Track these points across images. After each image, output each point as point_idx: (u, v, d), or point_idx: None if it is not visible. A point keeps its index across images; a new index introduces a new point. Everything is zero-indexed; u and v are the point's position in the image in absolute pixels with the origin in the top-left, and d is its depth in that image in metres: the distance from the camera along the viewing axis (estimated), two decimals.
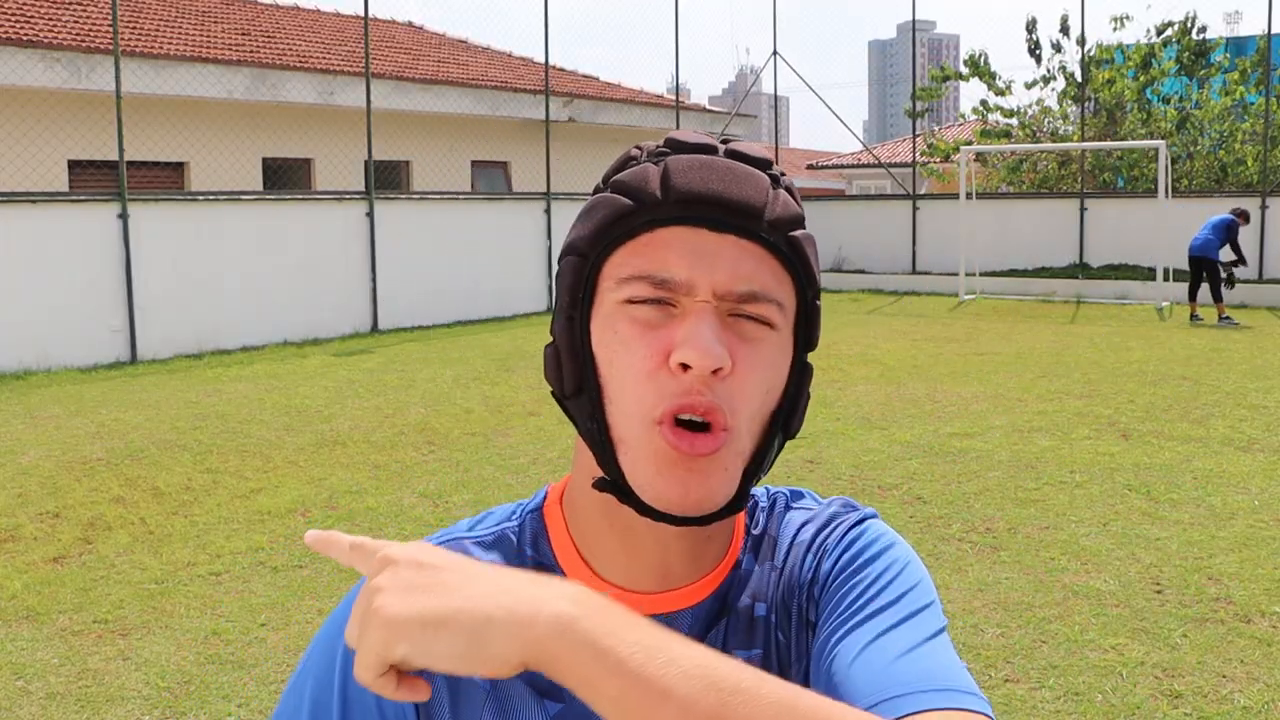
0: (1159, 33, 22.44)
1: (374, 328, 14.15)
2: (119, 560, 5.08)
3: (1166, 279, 16.02)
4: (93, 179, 14.30)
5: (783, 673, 0.85)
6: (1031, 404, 8.55)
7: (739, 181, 0.81)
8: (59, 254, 11.12)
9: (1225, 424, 7.72)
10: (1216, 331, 13.25)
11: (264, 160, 16.31)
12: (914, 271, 20.00)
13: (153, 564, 5.03)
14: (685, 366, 0.76)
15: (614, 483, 0.80)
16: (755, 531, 0.91)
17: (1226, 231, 14.01)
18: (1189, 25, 22.22)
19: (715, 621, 0.86)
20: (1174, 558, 4.96)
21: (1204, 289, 14.30)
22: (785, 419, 0.84)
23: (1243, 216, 14.30)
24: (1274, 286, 16.26)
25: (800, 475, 6.42)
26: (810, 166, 36.93)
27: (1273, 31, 17.26)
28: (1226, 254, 14.36)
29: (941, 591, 4.57)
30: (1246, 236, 15.47)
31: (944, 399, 8.81)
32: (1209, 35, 22.42)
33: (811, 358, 0.87)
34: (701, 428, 0.77)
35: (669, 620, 0.83)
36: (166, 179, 15.55)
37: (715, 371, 0.76)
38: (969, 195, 18.08)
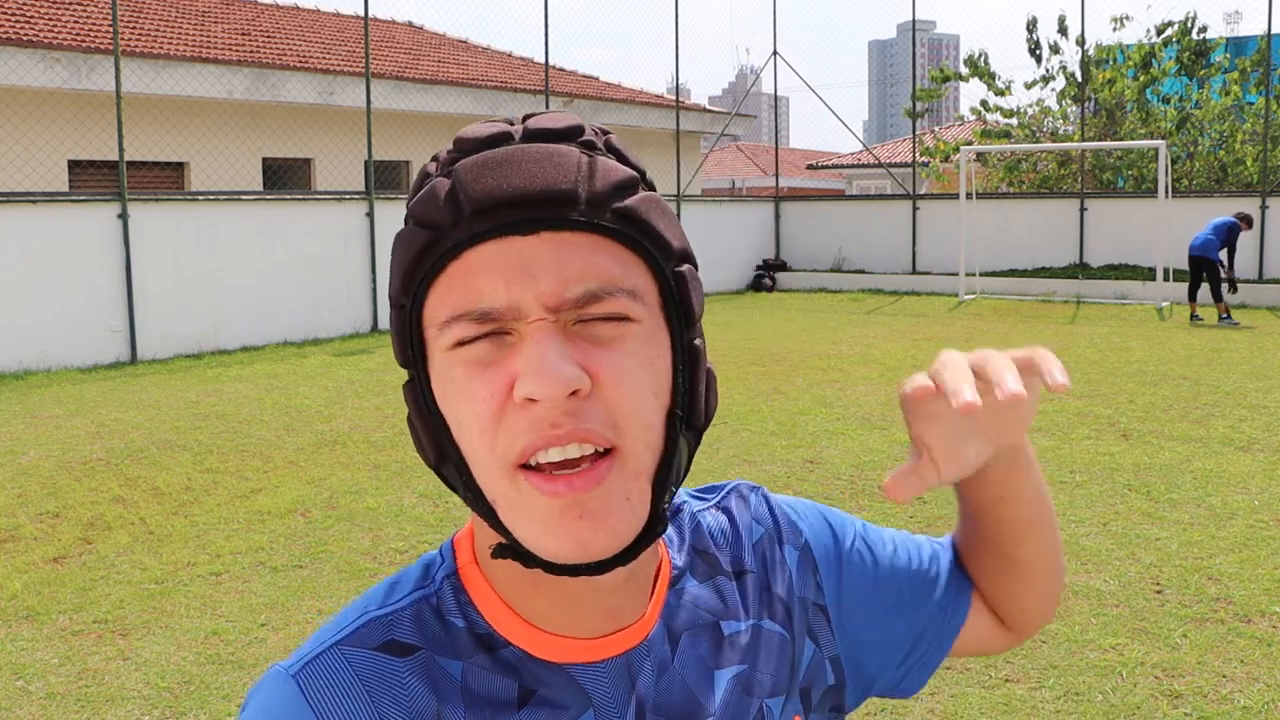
0: (1159, 33, 22.44)
1: (374, 328, 14.15)
2: (119, 560, 5.08)
3: (1166, 279, 16.02)
4: (93, 179, 14.31)
5: (783, 676, 0.84)
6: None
7: (537, 166, 0.68)
8: (59, 254, 11.12)
9: (1225, 424, 7.72)
10: (1216, 331, 13.25)
11: (264, 160, 16.32)
12: (914, 271, 20.00)
13: (153, 564, 5.03)
14: (533, 399, 0.65)
15: (512, 547, 0.69)
16: (688, 537, 0.85)
17: (1228, 233, 14.01)
18: (1189, 25, 22.23)
19: (674, 645, 0.79)
20: (1174, 558, 4.96)
21: (1204, 289, 14.31)
22: (686, 415, 0.72)
23: (1246, 221, 14.29)
24: (1274, 286, 16.26)
25: (800, 475, 6.43)
26: (810, 166, 36.96)
27: (1273, 31, 17.26)
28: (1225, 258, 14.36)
29: None
30: (1247, 237, 15.47)
31: None
32: (1209, 35, 22.43)
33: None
34: (574, 462, 0.67)
35: (632, 657, 0.76)
36: (166, 179, 15.56)
37: (574, 393, 0.65)
38: (969, 195, 18.08)
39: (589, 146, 0.71)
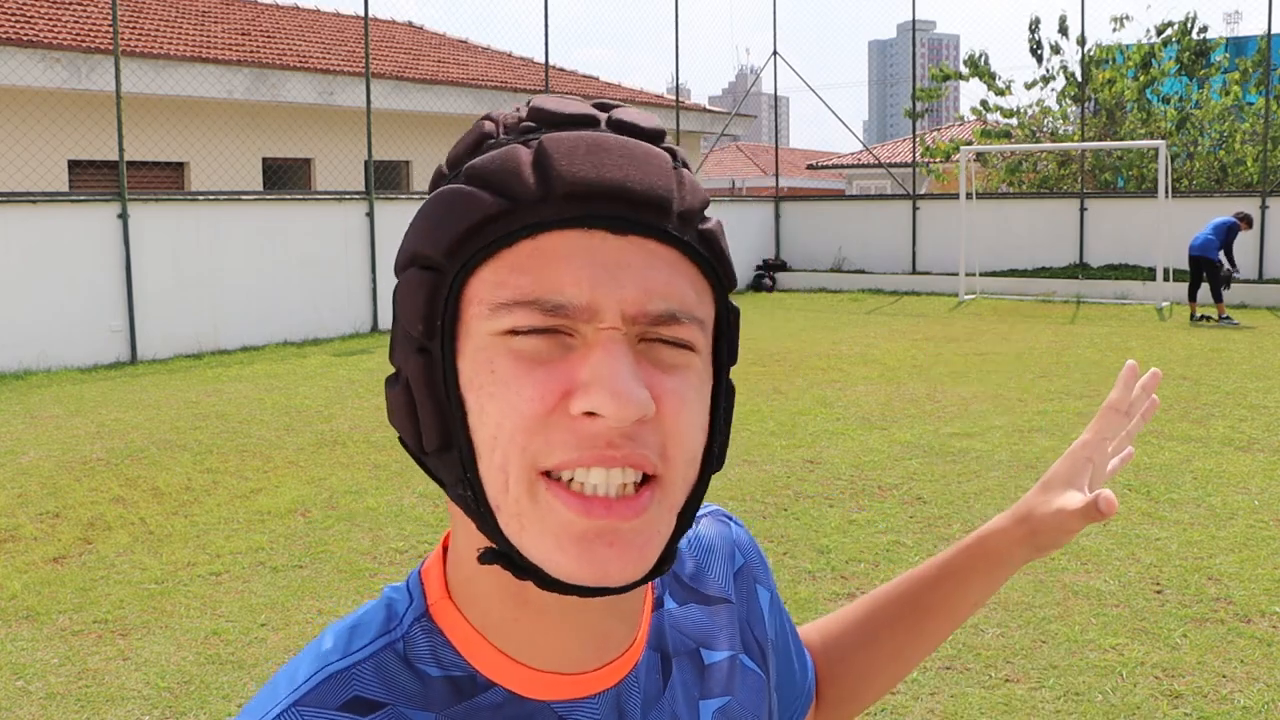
0: (1159, 33, 22.45)
1: (374, 328, 14.15)
2: (119, 560, 5.08)
3: (1166, 279, 16.02)
4: (93, 179, 14.31)
5: (762, 716, 0.81)
6: (1031, 404, 8.55)
7: (640, 165, 0.63)
8: (59, 254, 11.12)
9: (1225, 424, 7.72)
10: (1216, 331, 13.25)
11: (264, 160, 16.32)
12: (914, 271, 20.00)
13: (153, 564, 5.03)
14: (591, 414, 0.60)
15: (504, 553, 0.63)
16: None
17: (1227, 233, 14.02)
18: (1189, 25, 22.23)
19: (664, 673, 0.74)
20: (1174, 558, 4.96)
21: (1203, 289, 14.31)
22: (718, 455, 0.68)
23: (1245, 221, 14.30)
24: (1274, 286, 16.26)
25: (800, 475, 6.43)
26: (810, 166, 36.96)
27: (1273, 31, 17.26)
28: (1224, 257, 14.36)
29: None
30: (1246, 236, 15.48)
31: (944, 399, 8.81)
32: (1209, 35, 22.44)
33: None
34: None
35: (623, 689, 0.70)
36: (166, 179, 15.56)
37: (636, 420, 0.60)
38: (969, 195, 18.08)
39: (674, 156, 0.67)
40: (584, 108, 0.66)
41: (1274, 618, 4.26)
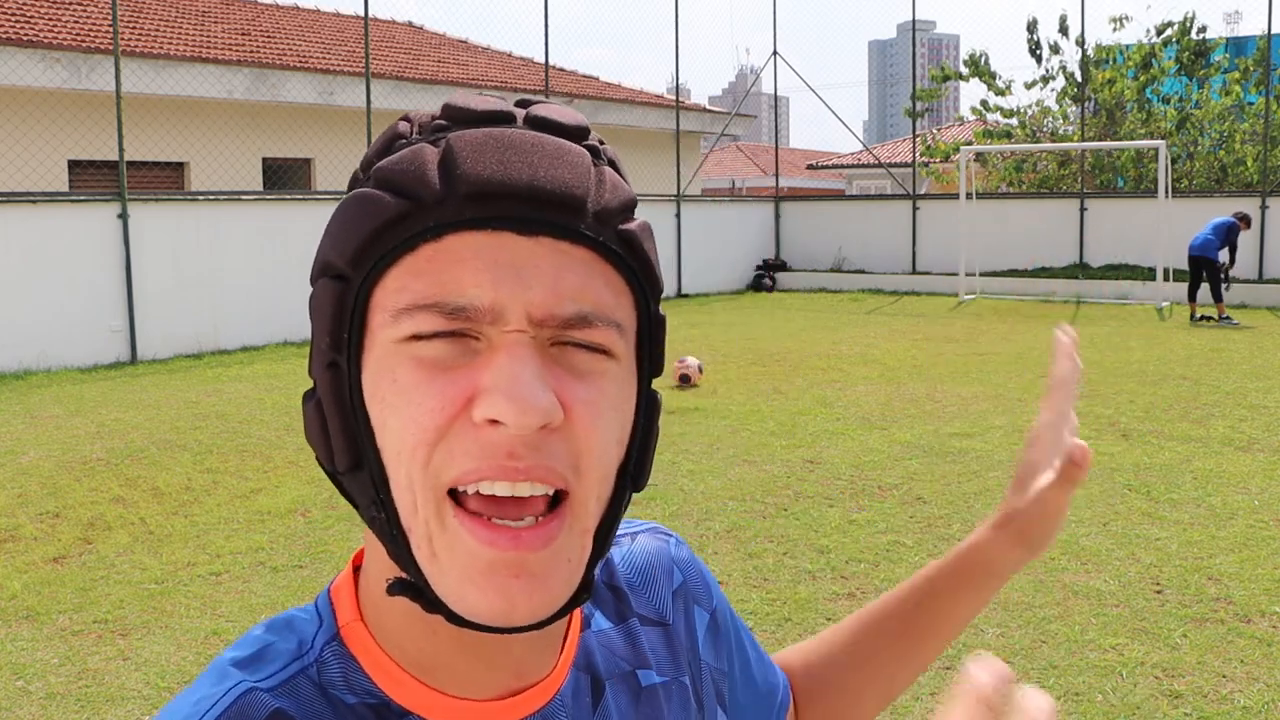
0: (1159, 33, 22.46)
1: None
2: (119, 560, 5.08)
3: (1166, 279, 16.02)
4: (93, 179, 14.31)
5: None
6: (1031, 404, 8.55)
7: (552, 162, 0.60)
8: (59, 254, 11.12)
9: (1225, 424, 7.72)
10: (1216, 331, 13.25)
11: (264, 160, 16.32)
12: (914, 271, 20.00)
13: (153, 564, 5.03)
14: (494, 422, 0.56)
15: (413, 584, 0.60)
16: (599, 574, 0.77)
17: (1227, 233, 14.02)
18: (1189, 25, 22.24)
19: (595, 696, 0.71)
20: (1174, 558, 4.96)
21: (1203, 289, 14.31)
22: (635, 471, 0.64)
23: (1244, 221, 14.31)
24: (1274, 286, 16.26)
25: (800, 475, 6.43)
26: (810, 166, 36.97)
27: (1273, 31, 17.26)
28: (1226, 256, 14.37)
29: None
30: (1246, 236, 15.48)
31: (944, 399, 8.81)
32: (1209, 35, 22.45)
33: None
34: (518, 502, 0.58)
35: (546, 716, 0.67)
36: (166, 179, 15.56)
37: (541, 428, 0.57)
38: (969, 195, 18.08)
39: (595, 153, 0.64)
40: (498, 104, 0.63)
41: (1274, 618, 4.26)
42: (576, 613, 0.72)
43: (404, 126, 0.64)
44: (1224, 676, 3.77)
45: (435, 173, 0.59)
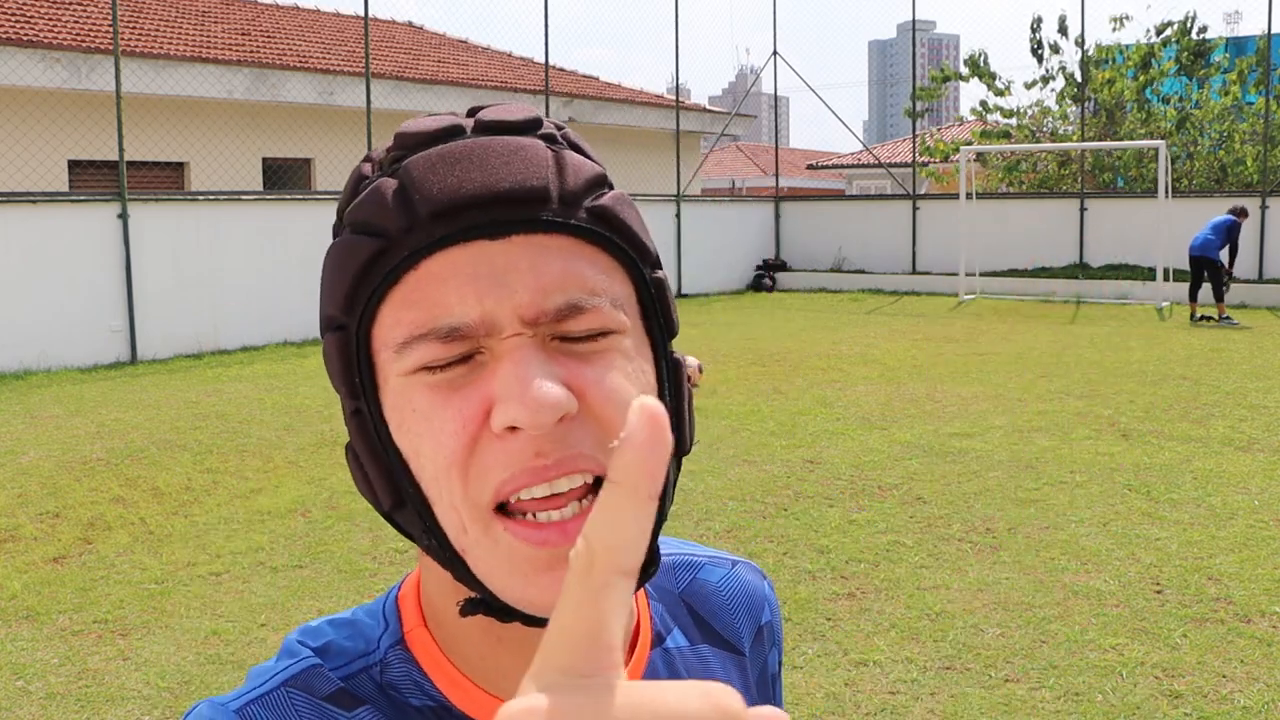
0: (1159, 33, 22.46)
1: None
2: (119, 560, 5.08)
3: (1166, 279, 16.02)
4: (93, 179, 14.31)
5: None
6: (1031, 404, 8.55)
7: (505, 161, 0.60)
8: (59, 254, 11.12)
9: (1225, 424, 7.72)
10: (1216, 331, 13.25)
11: (264, 160, 16.32)
12: (914, 271, 20.00)
13: (153, 564, 5.03)
14: (513, 428, 0.57)
15: (483, 601, 0.61)
16: (676, 591, 0.76)
17: (1228, 233, 14.02)
18: (1189, 25, 22.24)
19: None
20: (1174, 558, 4.96)
21: (1203, 290, 14.31)
22: (675, 437, 0.63)
23: (1241, 214, 14.31)
24: (1274, 286, 16.26)
25: (800, 475, 6.43)
26: (810, 166, 36.97)
27: (1273, 31, 17.26)
28: (1226, 255, 14.36)
29: (942, 591, 4.58)
30: (1247, 236, 15.48)
31: (944, 399, 8.81)
32: (1209, 35, 22.45)
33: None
34: (562, 497, 0.58)
35: None
36: (166, 179, 15.56)
37: (560, 420, 0.57)
38: (969, 195, 18.08)
39: (551, 140, 0.64)
40: (445, 120, 0.63)
41: (1274, 618, 4.26)
42: (645, 626, 0.72)
43: (366, 168, 0.65)
44: (1224, 676, 3.77)
45: (395, 203, 0.60)
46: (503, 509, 0.59)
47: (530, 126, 0.63)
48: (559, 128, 0.65)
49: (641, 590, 0.73)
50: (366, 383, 0.62)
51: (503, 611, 0.60)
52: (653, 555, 0.62)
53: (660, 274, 0.66)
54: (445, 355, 0.58)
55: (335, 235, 0.65)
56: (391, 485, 0.61)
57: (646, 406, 0.36)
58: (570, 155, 0.63)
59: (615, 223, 0.63)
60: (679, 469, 0.65)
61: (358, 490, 0.65)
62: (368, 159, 0.65)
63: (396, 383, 0.60)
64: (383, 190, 0.61)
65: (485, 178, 0.60)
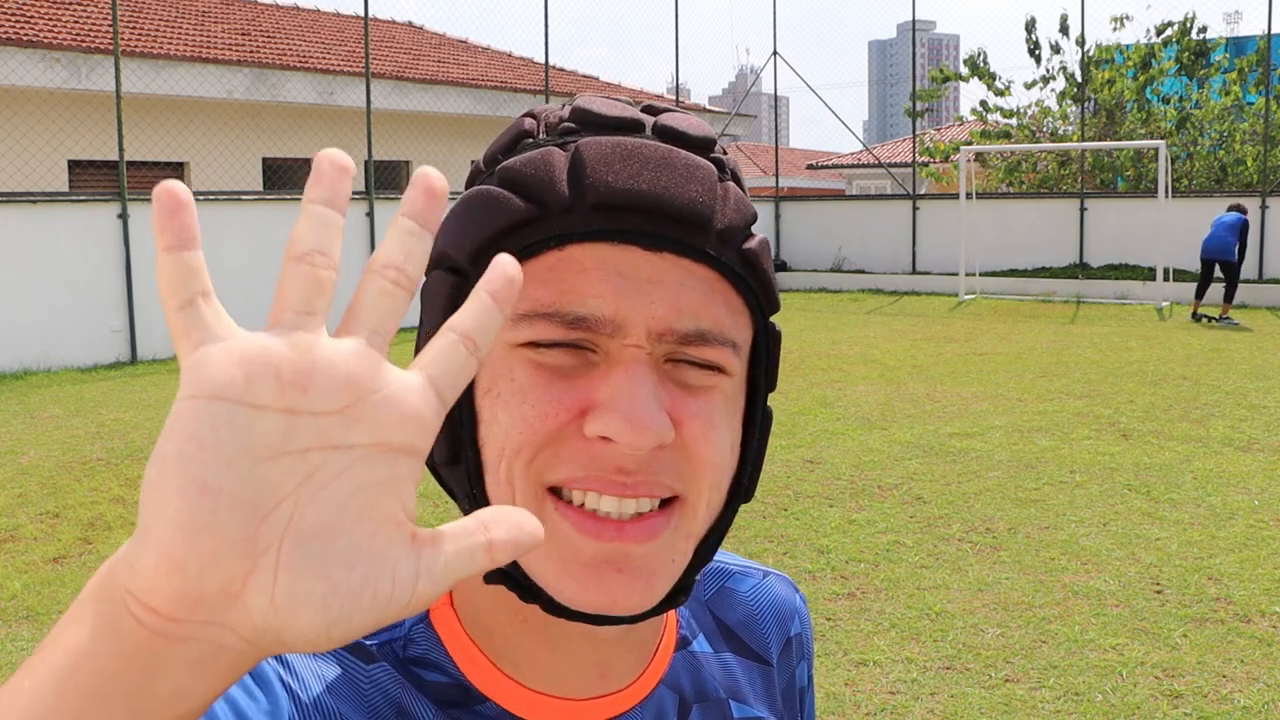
0: (1159, 33, 22.46)
1: None
2: None
3: (1166, 279, 16.01)
4: (93, 179, 14.31)
5: None
6: (1031, 404, 8.55)
7: (680, 177, 0.59)
8: (59, 254, 11.12)
9: (1225, 424, 7.72)
10: (1216, 331, 13.25)
11: (264, 160, 16.32)
12: (914, 271, 20.00)
13: None
14: (608, 440, 0.57)
15: (510, 575, 0.60)
16: (704, 599, 0.76)
17: (1242, 232, 14.01)
18: (1189, 25, 22.24)
19: (680, 716, 0.70)
20: (1174, 558, 4.96)
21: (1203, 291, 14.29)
22: (748, 484, 0.65)
23: (1244, 210, 14.33)
24: (1274, 286, 16.26)
25: (800, 475, 6.43)
26: (810, 166, 36.96)
27: (1273, 31, 17.26)
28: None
29: (942, 591, 4.58)
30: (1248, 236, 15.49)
31: (944, 399, 8.82)
32: (1209, 35, 22.45)
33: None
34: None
35: None
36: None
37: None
38: (969, 195, 18.08)
39: (720, 166, 0.63)
40: (629, 111, 0.62)
41: (1274, 618, 4.26)
42: (671, 627, 0.72)
43: (530, 124, 0.63)
44: (1224, 676, 3.77)
45: (564, 180, 0.59)
46: (555, 490, 0.59)
47: (706, 146, 0.63)
48: (724, 152, 0.65)
49: None
50: None
51: (526, 590, 0.60)
52: (686, 585, 0.63)
53: (778, 330, 0.66)
54: (563, 337, 0.58)
55: (473, 180, 0.64)
56: (453, 440, 0.60)
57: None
58: (734, 189, 0.62)
59: (758, 270, 0.63)
60: (735, 513, 0.65)
61: None
62: (531, 114, 0.64)
63: (501, 349, 0.59)
64: (551, 160, 0.60)
65: (659, 187, 0.59)
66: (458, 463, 0.61)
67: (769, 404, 0.67)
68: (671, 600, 0.62)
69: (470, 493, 0.61)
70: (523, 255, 0.59)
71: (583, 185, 0.58)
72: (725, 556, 0.80)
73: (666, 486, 0.59)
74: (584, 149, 0.59)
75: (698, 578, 0.76)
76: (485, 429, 0.60)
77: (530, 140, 0.62)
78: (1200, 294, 14.18)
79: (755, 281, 0.62)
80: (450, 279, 0.61)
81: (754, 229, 0.64)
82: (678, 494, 0.59)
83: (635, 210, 0.58)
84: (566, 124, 0.62)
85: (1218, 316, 13.82)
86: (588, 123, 0.61)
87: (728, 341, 0.60)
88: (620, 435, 0.56)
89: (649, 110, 0.64)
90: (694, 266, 0.60)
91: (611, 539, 0.57)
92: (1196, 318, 14.04)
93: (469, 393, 0.60)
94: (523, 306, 0.58)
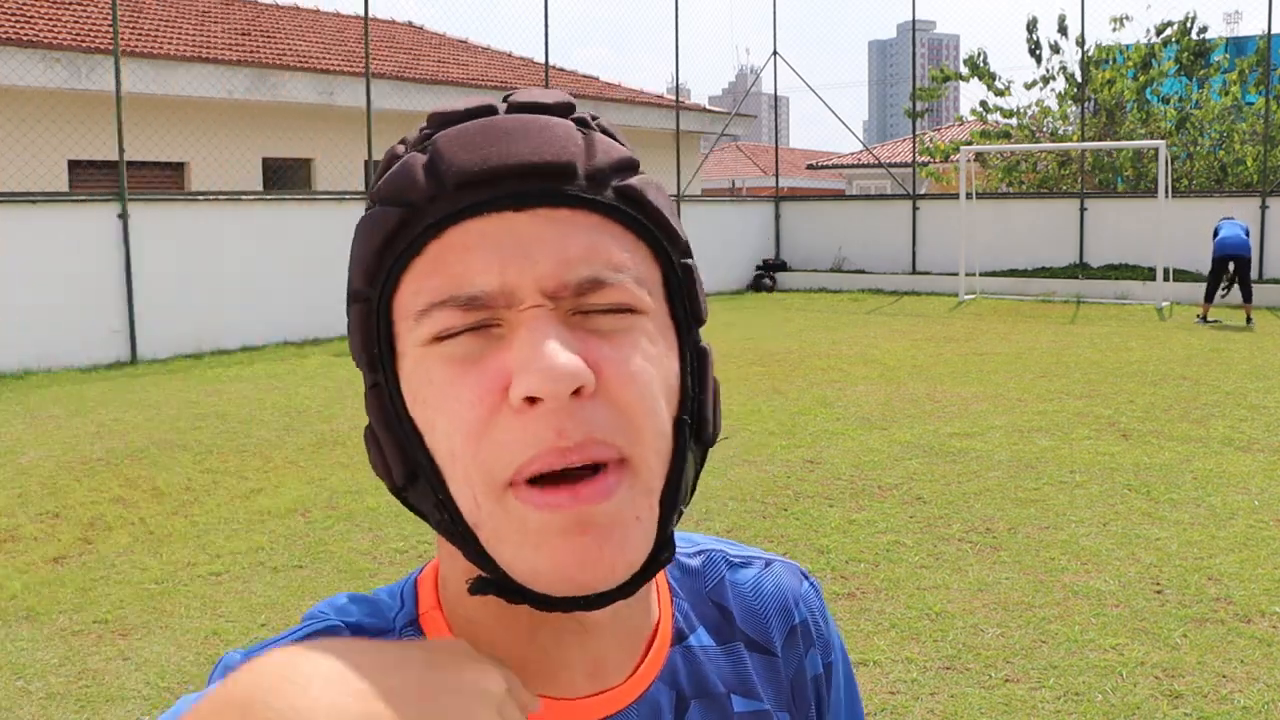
0: (1159, 33, 22.46)
1: None
2: (119, 560, 5.08)
3: (1166, 279, 16.01)
4: (93, 179, 14.31)
5: None
6: (1031, 404, 8.55)
7: (532, 136, 0.60)
8: (59, 254, 11.12)
9: (1225, 424, 7.72)
10: (1216, 331, 13.25)
11: (264, 160, 16.32)
12: (914, 271, 20.00)
13: (153, 564, 5.03)
14: (532, 400, 0.56)
15: (494, 581, 0.60)
16: (705, 590, 0.75)
17: (1246, 233, 14.03)
18: (1189, 25, 22.24)
19: (678, 713, 0.69)
20: (1174, 558, 4.96)
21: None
22: (695, 424, 0.63)
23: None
24: (1274, 286, 16.26)
25: (800, 475, 6.43)
26: (810, 166, 36.97)
27: (1273, 31, 17.26)
28: None
29: (941, 591, 4.57)
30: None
31: (944, 399, 8.81)
32: (1209, 35, 22.45)
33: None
34: (582, 473, 0.57)
35: None
36: (166, 179, 15.56)
37: (576, 392, 0.56)
38: (969, 195, 18.08)
39: (582, 123, 0.64)
40: (480, 101, 0.64)
41: (1274, 618, 4.26)
42: (665, 624, 0.71)
43: (399, 148, 0.64)
44: (1224, 676, 3.77)
45: (423, 174, 0.60)
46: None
47: (563, 109, 0.63)
48: (593, 116, 0.65)
49: (665, 588, 0.72)
50: (385, 355, 0.61)
51: (512, 591, 0.59)
52: (665, 541, 0.61)
53: (689, 261, 0.65)
54: (463, 322, 0.58)
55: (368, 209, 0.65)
56: (405, 459, 0.61)
57: None
58: (600, 137, 0.63)
59: (644, 204, 0.62)
60: (704, 460, 0.65)
61: (374, 471, 0.64)
62: (402, 141, 0.65)
63: (415, 354, 0.60)
64: (411, 164, 0.61)
65: (513, 150, 0.59)
66: (417, 480, 0.61)
67: (706, 343, 0.66)
68: (656, 559, 0.61)
69: (437, 502, 0.60)
70: (408, 255, 0.60)
71: (440, 172, 0.59)
72: (728, 546, 0.79)
73: (611, 446, 0.57)
74: (438, 141, 0.61)
75: (696, 566, 0.76)
76: (430, 439, 0.60)
77: (397, 158, 0.63)
78: (1210, 296, 14.03)
79: (643, 214, 0.62)
80: (360, 309, 0.62)
81: (658, 185, 0.64)
82: (624, 455, 0.58)
83: (496, 177, 0.59)
84: (425, 131, 0.63)
85: (1246, 319, 13.72)
86: (443, 122, 0.63)
87: (626, 276, 0.60)
88: (536, 387, 0.55)
89: (506, 98, 0.65)
90: (573, 215, 0.59)
91: (568, 504, 0.56)
92: (1205, 321, 13.94)
93: (403, 410, 0.61)
94: (421, 302, 0.59)
